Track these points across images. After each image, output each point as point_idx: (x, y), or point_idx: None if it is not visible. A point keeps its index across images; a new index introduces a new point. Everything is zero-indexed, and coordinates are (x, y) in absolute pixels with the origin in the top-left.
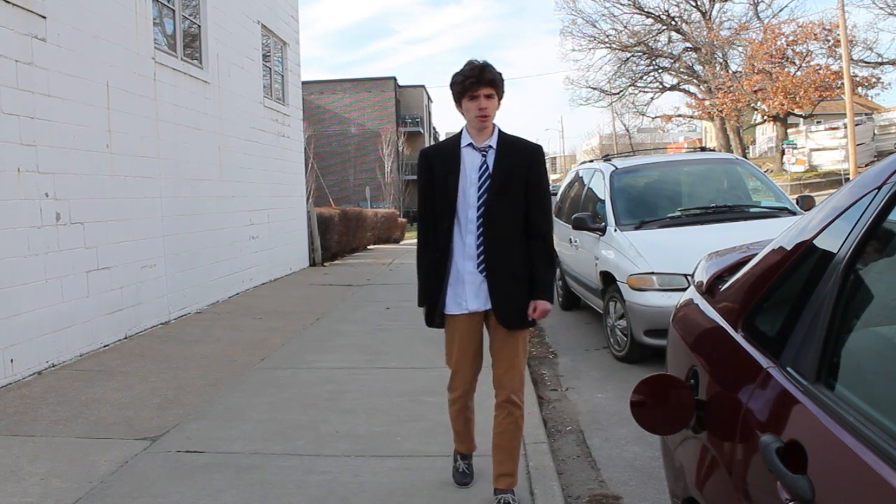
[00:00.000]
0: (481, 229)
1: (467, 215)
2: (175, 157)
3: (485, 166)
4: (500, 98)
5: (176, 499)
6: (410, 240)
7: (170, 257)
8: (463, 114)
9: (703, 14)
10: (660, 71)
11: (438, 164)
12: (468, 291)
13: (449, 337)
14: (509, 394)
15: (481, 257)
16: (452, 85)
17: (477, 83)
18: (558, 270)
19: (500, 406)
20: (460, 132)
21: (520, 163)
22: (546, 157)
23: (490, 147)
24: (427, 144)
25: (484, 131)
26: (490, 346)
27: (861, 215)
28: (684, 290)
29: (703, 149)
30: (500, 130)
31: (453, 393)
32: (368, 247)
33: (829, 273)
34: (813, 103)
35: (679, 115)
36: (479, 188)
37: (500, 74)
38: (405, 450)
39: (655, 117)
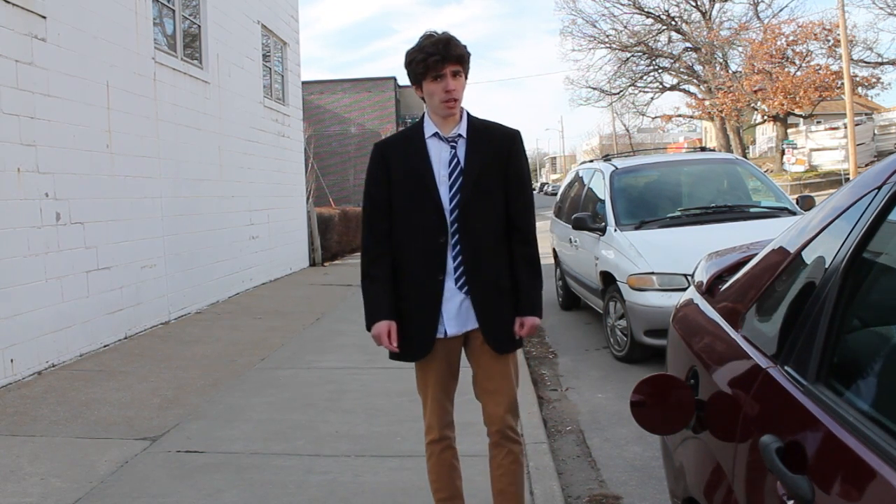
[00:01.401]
0: (457, 236)
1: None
2: (175, 157)
3: (455, 160)
4: (466, 76)
5: (176, 499)
6: None
7: (170, 257)
8: (424, 98)
9: (703, 14)
10: (660, 71)
11: (399, 159)
12: (445, 311)
13: (423, 367)
14: (504, 429)
15: (459, 270)
16: (410, 64)
17: (443, 61)
18: (558, 270)
19: (497, 445)
20: (420, 120)
21: (496, 153)
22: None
23: (460, 136)
24: None
25: (451, 119)
26: (474, 375)
27: (861, 215)
28: (684, 290)
29: (703, 149)
30: (469, 115)
31: (431, 433)
32: None
33: (829, 273)
34: (813, 103)
35: (679, 115)
36: (451, 187)
37: (466, 48)
38: (405, 450)
39: (655, 117)
